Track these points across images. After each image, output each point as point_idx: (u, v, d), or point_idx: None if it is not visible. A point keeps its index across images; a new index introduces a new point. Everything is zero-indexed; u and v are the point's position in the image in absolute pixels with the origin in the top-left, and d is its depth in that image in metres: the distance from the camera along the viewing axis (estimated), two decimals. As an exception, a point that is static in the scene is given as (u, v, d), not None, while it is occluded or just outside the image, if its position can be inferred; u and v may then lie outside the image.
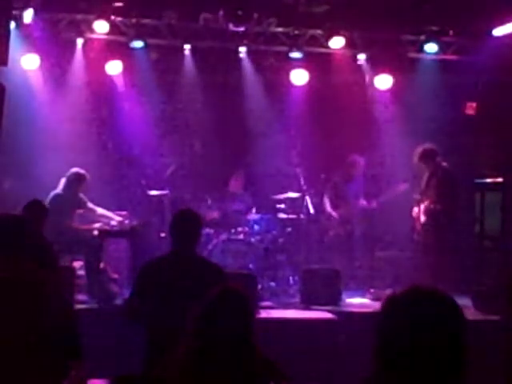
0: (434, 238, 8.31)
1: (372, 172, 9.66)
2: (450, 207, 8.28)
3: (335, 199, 9.33)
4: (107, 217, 8.27)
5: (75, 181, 7.95)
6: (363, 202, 9.24)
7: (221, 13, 8.84)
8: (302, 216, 8.95)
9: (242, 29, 9.04)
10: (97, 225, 8.07)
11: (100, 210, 8.27)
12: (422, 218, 8.38)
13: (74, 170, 8.01)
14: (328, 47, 9.39)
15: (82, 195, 8.11)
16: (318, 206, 9.18)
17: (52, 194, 7.88)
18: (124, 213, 8.66)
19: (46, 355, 3.41)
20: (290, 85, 9.81)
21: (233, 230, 8.78)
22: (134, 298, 4.66)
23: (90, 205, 8.19)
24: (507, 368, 5.92)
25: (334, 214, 9.23)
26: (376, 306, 8.04)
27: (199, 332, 3.11)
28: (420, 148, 8.41)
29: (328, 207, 9.30)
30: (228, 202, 9.24)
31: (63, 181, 7.98)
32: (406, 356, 1.92)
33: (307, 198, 8.88)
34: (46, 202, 7.78)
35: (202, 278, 4.43)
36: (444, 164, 8.39)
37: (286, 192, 9.19)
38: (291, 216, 9.06)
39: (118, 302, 7.19)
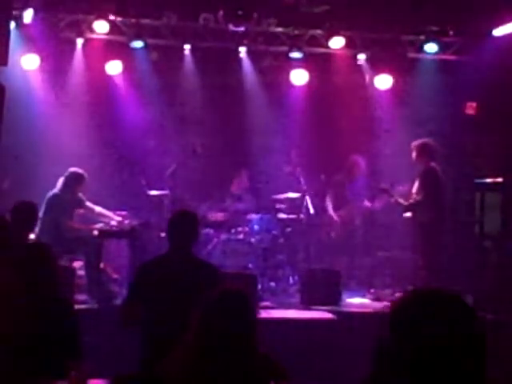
0: (418, 234, 8.25)
1: (372, 172, 9.63)
2: (428, 199, 8.08)
3: (337, 200, 9.31)
4: (106, 215, 8.27)
5: (73, 180, 7.94)
6: (367, 204, 9.21)
7: (221, 13, 8.84)
8: (301, 216, 8.95)
9: (241, 29, 9.04)
10: (97, 225, 8.07)
11: (98, 209, 8.27)
12: (408, 214, 8.36)
13: (72, 169, 8.00)
14: (328, 47, 9.39)
15: (80, 194, 8.10)
16: (318, 207, 9.17)
17: (50, 193, 7.87)
18: (124, 213, 8.65)
19: (46, 355, 3.42)
20: (290, 85, 9.80)
21: (233, 230, 8.78)
22: (130, 301, 4.65)
23: (88, 203, 8.19)
24: None
25: (335, 217, 9.19)
26: (376, 305, 8.04)
27: (199, 332, 3.11)
28: (413, 144, 8.34)
29: (330, 210, 9.25)
30: (230, 202, 9.24)
31: (61, 180, 7.97)
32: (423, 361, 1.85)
33: (307, 198, 8.87)
34: (44, 201, 7.79)
35: (199, 279, 4.44)
36: (432, 164, 8.26)
37: (286, 192, 9.19)
38: (291, 216, 9.06)
39: (118, 302, 7.18)
